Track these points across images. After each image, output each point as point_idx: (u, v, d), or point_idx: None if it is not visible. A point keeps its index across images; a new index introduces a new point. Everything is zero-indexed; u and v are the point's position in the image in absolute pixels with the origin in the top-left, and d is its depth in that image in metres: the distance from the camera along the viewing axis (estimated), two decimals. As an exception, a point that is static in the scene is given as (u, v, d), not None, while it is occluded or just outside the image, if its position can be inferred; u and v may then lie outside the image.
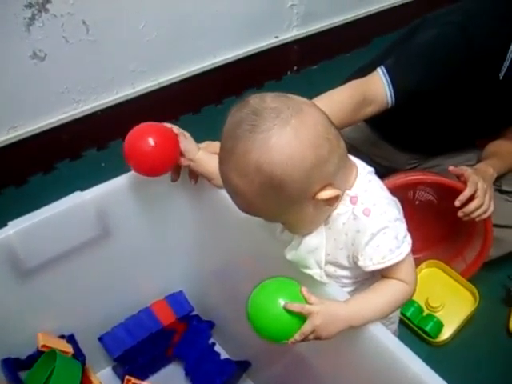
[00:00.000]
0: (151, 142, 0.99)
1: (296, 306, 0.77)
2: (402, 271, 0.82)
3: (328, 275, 0.87)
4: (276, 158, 0.73)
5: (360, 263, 0.83)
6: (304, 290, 0.79)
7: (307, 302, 0.78)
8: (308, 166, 0.74)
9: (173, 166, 1.04)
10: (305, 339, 0.78)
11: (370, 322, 0.82)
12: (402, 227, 0.83)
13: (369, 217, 0.80)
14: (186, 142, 1.04)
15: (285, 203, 0.77)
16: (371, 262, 0.82)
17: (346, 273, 0.89)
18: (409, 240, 0.83)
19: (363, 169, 0.85)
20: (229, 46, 2.08)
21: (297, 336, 0.77)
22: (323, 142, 0.75)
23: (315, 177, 0.76)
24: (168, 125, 1.05)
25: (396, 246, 0.81)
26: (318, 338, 0.79)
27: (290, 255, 0.88)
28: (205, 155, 1.04)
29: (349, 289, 0.91)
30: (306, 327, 0.77)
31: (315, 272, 0.86)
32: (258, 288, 0.81)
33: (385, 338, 0.82)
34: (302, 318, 0.78)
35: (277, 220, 0.85)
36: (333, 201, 0.79)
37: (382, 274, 0.85)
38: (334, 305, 0.80)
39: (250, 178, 0.74)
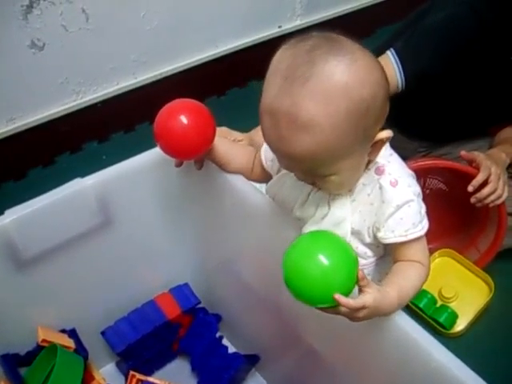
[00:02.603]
0: (187, 120, 0.90)
1: (361, 273, 0.69)
2: (420, 252, 0.80)
3: None
4: (366, 79, 0.68)
5: (380, 234, 0.80)
6: (360, 273, 0.70)
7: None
8: (384, 96, 0.71)
9: (208, 148, 0.96)
10: (343, 312, 0.70)
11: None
12: (422, 203, 0.81)
13: (395, 188, 0.78)
14: None
15: (360, 137, 0.71)
16: (393, 234, 0.79)
17: (366, 249, 0.86)
18: (426, 219, 0.81)
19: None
20: (231, 35, 2.05)
21: (346, 301, 0.67)
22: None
23: (384, 111, 0.73)
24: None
25: (419, 221, 0.79)
26: (353, 319, 0.72)
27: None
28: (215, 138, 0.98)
29: (364, 272, 0.87)
30: (359, 301, 0.69)
31: None
32: (297, 242, 0.71)
33: (408, 325, 0.77)
34: (347, 287, 0.69)
35: (335, 167, 0.73)
36: (381, 147, 0.77)
37: (399, 256, 0.81)
38: (383, 290, 0.74)
39: (334, 104, 0.67)
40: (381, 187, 0.80)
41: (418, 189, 0.81)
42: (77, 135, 1.84)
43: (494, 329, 1.38)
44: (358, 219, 0.83)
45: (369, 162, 0.80)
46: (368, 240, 0.84)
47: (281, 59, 0.70)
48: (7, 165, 1.74)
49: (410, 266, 0.80)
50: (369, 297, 0.70)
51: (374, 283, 0.72)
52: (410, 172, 0.83)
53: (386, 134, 0.75)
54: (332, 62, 0.67)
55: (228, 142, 1.03)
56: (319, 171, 0.74)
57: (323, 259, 0.67)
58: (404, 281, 0.78)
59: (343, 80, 0.67)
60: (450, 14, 1.27)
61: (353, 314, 0.70)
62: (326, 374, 1.02)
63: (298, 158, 0.71)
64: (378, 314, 0.74)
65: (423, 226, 0.80)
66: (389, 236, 0.80)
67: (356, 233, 0.84)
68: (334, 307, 0.69)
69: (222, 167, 1.00)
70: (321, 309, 0.71)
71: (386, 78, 0.73)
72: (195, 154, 0.96)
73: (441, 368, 0.73)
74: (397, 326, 0.78)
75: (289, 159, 0.73)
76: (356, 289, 0.71)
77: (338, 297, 0.67)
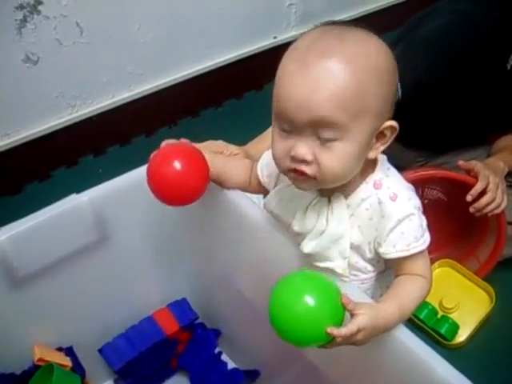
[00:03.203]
0: (180, 166, 0.87)
1: (345, 298, 0.70)
2: (422, 266, 0.80)
3: (349, 267, 0.84)
4: (389, 52, 0.75)
5: (381, 250, 0.80)
6: (344, 297, 0.71)
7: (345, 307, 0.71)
8: (396, 81, 0.76)
9: (203, 192, 0.93)
10: (342, 342, 0.70)
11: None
12: (423, 217, 0.80)
13: (395, 202, 0.78)
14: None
15: (374, 103, 0.72)
16: (394, 249, 0.78)
17: (366, 264, 0.85)
18: (428, 232, 0.81)
19: (381, 155, 0.82)
20: (227, 47, 2.05)
21: (338, 332, 0.68)
22: None
23: (393, 99, 0.76)
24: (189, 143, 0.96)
25: (420, 235, 0.78)
26: (355, 343, 0.71)
27: (309, 247, 0.83)
28: (209, 155, 0.96)
29: (365, 286, 0.87)
30: (351, 326, 0.69)
31: (337, 264, 0.82)
32: (281, 282, 0.73)
33: (409, 339, 0.76)
34: (336, 318, 0.70)
35: (345, 127, 0.71)
36: (384, 142, 0.77)
37: (400, 271, 0.81)
38: (377, 306, 0.74)
39: (366, 57, 0.71)
40: (380, 202, 0.79)
41: (418, 202, 0.80)
42: (73, 149, 1.83)
43: (495, 339, 1.37)
44: (357, 234, 0.82)
45: (367, 162, 0.78)
46: (369, 255, 0.83)
47: (303, 38, 0.75)
48: (3, 179, 1.72)
49: (411, 280, 0.79)
50: (361, 318, 0.70)
51: (367, 301, 0.73)
52: (409, 185, 0.83)
53: (394, 122, 0.75)
54: (359, 32, 0.74)
55: (223, 160, 1.02)
56: (329, 129, 0.71)
57: (307, 301, 0.68)
58: (404, 295, 0.78)
59: (373, 44, 0.74)
60: (446, 22, 1.27)
61: (351, 340, 0.70)
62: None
63: (322, 101, 0.69)
64: (380, 331, 0.73)
65: (425, 239, 0.79)
66: (390, 251, 0.79)
67: (356, 248, 0.83)
68: (331, 341, 0.70)
69: (221, 185, 0.99)
70: (320, 346, 0.71)
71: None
72: (191, 201, 0.93)
73: (443, 382, 0.72)
74: (397, 340, 0.77)
75: (307, 111, 0.70)
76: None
77: (331, 330, 0.67)
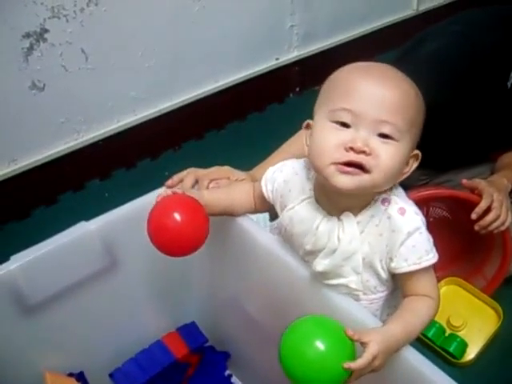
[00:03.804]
0: (180, 217, 0.87)
1: (349, 331, 0.71)
2: (429, 285, 0.81)
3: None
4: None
5: (393, 265, 0.81)
6: (349, 330, 0.72)
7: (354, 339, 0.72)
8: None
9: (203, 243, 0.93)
10: (362, 372, 0.71)
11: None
12: (428, 233, 0.82)
13: (404, 216, 0.80)
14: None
15: (418, 124, 0.81)
16: (406, 263, 0.80)
17: (377, 284, 0.86)
18: (435, 248, 0.82)
19: None
20: (229, 69, 2.07)
21: (355, 364, 0.69)
22: None
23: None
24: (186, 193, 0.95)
25: (430, 248, 0.80)
26: (374, 370, 0.72)
27: (321, 265, 0.84)
28: (212, 194, 0.98)
29: (373, 306, 0.88)
30: (366, 355, 0.70)
31: (351, 280, 0.84)
32: (290, 329, 0.75)
33: (415, 358, 0.77)
34: (349, 352, 0.71)
35: (403, 128, 0.77)
36: (412, 164, 0.82)
37: (408, 291, 0.82)
38: (385, 330, 0.75)
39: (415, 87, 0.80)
40: (389, 217, 0.81)
41: (423, 218, 0.82)
42: (79, 173, 1.85)
43: (504, 356, 1.36)
44: (367, 251, 0.83)
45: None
46: (381, 273, 0.84)
47: (348, 76, 0.82)
48: (10, 205, 1.73)
49: (419, 301, 0.80)
50: (372, 345, 0.71)
51: (373, 322, 0.75)
52: (412, 202, 0.85)
53: (418, 151, 0.82)
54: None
55: (225, 194, 1.00)
56: (390, 128, 0.76)
57: (318, 347, 0.70)
58: (411, 316, 0.78)
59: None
60: (443, 43, 1.28)
61: (371, 368, 0.71)
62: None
63: (390, 104, 0.76)
64: (393, 351, 0.74)
65: (434, 253, 0.81)
66: (402, 265, 0.80)
67: (367, 264, 0.84)
68: (350, 375, 0.70)
69: (233, 214, 1.00)
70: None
71: None
72: (190, 252, 0.92)
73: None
74: (403, 360, 0.78)
75: (378, 110, 0.76)
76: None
77: (348, 365, 0.69)
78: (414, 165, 0.82)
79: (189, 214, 0.88)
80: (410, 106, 0.78)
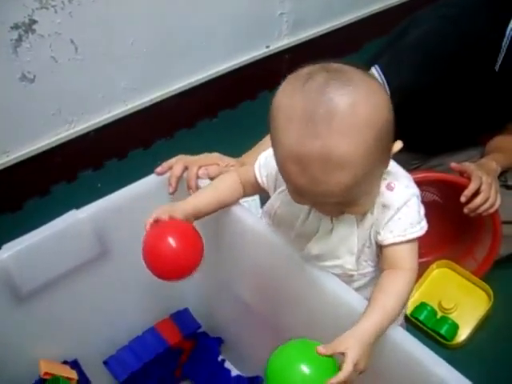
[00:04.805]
0: (174, 242, 0.87)
1: (320, 349, 0.69)
2: (409, 258, 0.81)
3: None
4: (381, 104, 0.70)
5: (379, 237, 0.81)
6: (320, 347, 0.69)
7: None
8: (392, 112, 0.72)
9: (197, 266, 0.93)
10: (350, 379, 0.69)
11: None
12: (421, 205, 0.82)
13: (393, 191, 0.80)
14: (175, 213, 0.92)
15: (385, 156, 0.74)
16: (391, 234, 0.80)
17: (369, 257, 0.87)
18: (425, 220, 0.82)
19: None
20: (220, 58, 2.06)
21: (336, 379, 0.66)
22: None
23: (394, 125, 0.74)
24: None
25: (417, 221, 0.80)
26: (362, 371, 0.71)
27: (316, 248, 0.85)
28: (199, 201, 0.95)
29: (367, 279, 0.89)
30: (346, 367, 0.68)
31: (345, 260, 0.84)
32: (275, 354, 0.75)
33: (405, 340, 0.77)
34: (328, 367, 0.70)
35: (367, 190, 0.75)
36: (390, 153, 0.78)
37: (388, 265, 0.82)
38: (360, 329, 0.73)
39: (363, 136, 0.67)
40: (378, 193, 0.80)
41: (416, 190, 0.82)
42: (71, 164, 1.85)
43: (495, 337, 1.38)
44: (361, 229, 0.83)
45: None
46: (373, 247, 0.85)
47: (291, 104, 0.70)
48: (4, 196, 1.74)
49: (396, 277, 0.80)
50: (350, 353, 0.69)
51: (343, 333, 0.72)
52: (406, 173, 0.84)
53: (399, 144, 0.77)
54: (349, 95, 0.67)
55: (211, 194, 0.98)
56: (353, 199, 0.74)
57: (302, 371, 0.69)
58: (388, 298, 0.77)
59: (366, 111, 0.67)
60: (431, 29, 1.28)
61: (357, 373, 0.70)
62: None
63: (334, 194, 0.71)
64: (372, 345, 0.73)
65: (422, 226, 0.81)
66: (387, 237, 0.80)
67: (361, 243, 0.85)
68: None
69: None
70: None
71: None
72: (186, 275, 0.92)
73: (441, 382, 0.73)
74: (395, 343, 0.78)
75: (323, 197, 0.72)
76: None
77: (329, 382, 0.66)
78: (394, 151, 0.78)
79: (185, 242, 0.88)
80: (362, 164, 0.69)
